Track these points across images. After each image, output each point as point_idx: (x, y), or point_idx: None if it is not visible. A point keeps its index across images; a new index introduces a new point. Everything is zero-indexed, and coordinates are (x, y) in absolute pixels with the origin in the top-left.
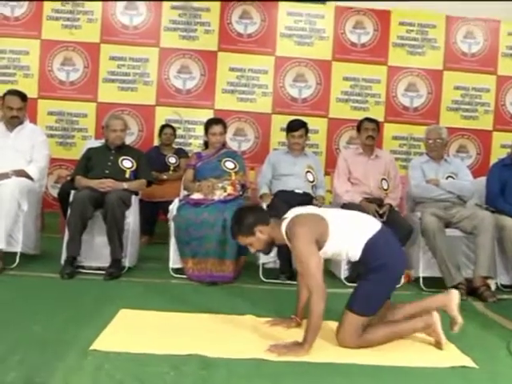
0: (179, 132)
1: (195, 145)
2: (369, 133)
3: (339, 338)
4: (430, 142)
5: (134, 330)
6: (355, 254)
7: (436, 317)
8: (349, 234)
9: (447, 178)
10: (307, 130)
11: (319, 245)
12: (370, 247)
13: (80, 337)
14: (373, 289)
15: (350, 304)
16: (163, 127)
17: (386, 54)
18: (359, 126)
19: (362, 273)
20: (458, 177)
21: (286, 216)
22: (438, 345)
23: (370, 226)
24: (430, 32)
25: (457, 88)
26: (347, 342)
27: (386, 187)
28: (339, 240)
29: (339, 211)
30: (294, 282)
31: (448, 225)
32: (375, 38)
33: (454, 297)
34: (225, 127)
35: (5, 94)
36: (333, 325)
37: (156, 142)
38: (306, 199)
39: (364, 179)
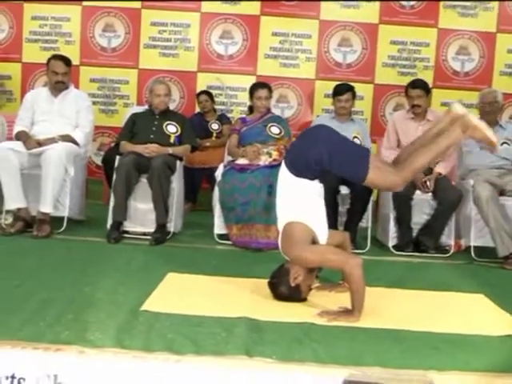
0: (221, 99)
1: (237, 111)
2: (414, 101)
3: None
4: (486, 105)
5: (183, 293)
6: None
7: (463, 109)
8: (309, 207)
9: (502, 144)
10: (354, 95)
11: (316, 240)
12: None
13: (130, 298)
14: (344, 155)
15: (357, 180)
16: (198, 95)
17: (436, 16)
18: (406, 91)
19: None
20: None
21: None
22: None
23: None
24: None
25: (511, 51)
26: (395, 181)
27: None
28: (316, 220)
29: (288, 207)
30: None
31: (502, 192)
32: None
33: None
34: (270, 91)
35: (49, 60)
36: (382, 292)
37: (197, 109)
38: None
39: None
